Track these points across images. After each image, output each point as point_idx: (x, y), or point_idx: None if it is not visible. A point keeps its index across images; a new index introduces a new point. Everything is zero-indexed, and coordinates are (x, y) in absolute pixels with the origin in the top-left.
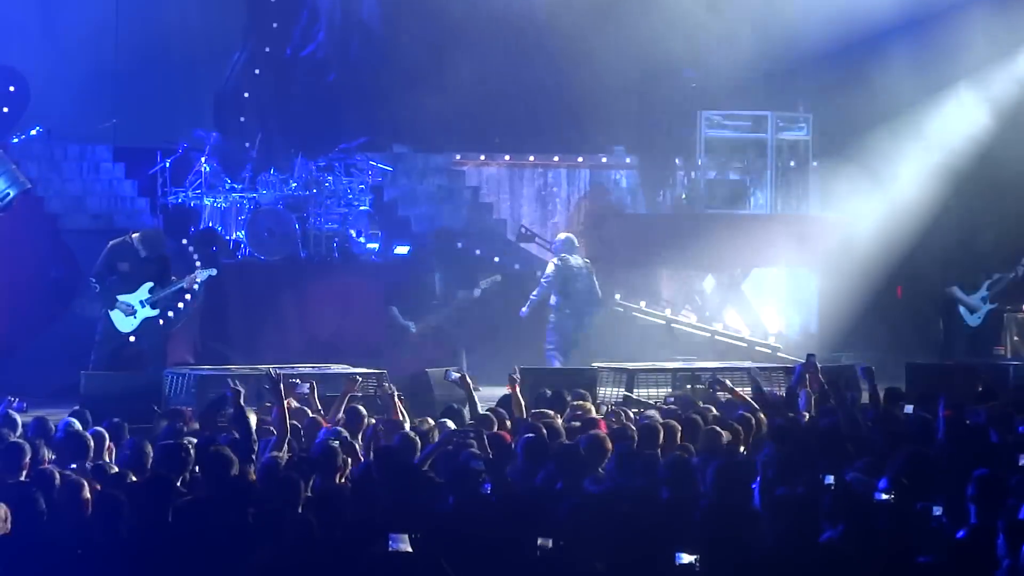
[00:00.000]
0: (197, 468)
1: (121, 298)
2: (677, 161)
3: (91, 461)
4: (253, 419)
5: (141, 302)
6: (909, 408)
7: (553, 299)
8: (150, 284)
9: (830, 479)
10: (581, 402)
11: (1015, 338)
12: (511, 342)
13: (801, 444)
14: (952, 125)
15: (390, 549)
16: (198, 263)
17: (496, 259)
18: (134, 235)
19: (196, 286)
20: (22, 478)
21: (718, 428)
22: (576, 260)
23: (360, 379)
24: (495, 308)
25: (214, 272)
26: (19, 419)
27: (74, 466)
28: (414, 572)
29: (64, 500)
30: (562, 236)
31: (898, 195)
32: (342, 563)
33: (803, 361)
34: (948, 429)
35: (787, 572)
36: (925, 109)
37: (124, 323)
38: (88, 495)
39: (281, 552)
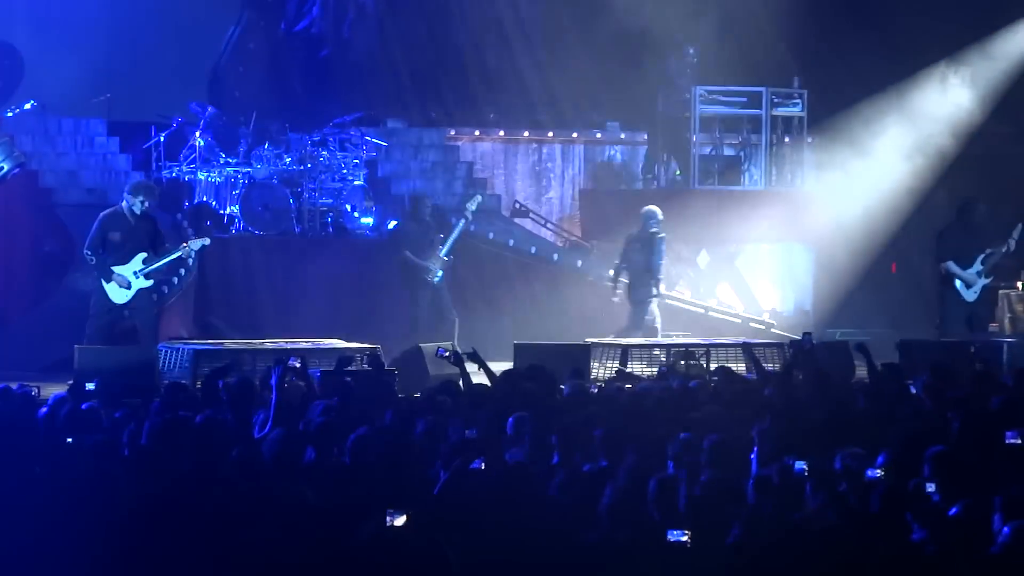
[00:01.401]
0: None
1: (116, 270)
2: (676, 137)
3: (87, 435)
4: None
5: (135, 273)
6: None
7: None
8: (143, 255)
9: (801, 466)
10: None
11: (1010, 315)
12: (508, 315)
13: (797, 422)
14: (940, 101)
15: (388, 524)
16: (192, 236)
17: (491, 235)
18: (124, 203)
19: (191, 259)
20: None
21: None
22: (639, 232)
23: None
24: (492, 280)
25: (207, 242)
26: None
27: (70, 440)
28: (410, 548)
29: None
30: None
31: (891, 170)
32: (337, 538)
33: (799, 339)
34: (936, 408)
35: (779, 551)
36: (914, 85)
37: (119, 295)
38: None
39: (276, 526)
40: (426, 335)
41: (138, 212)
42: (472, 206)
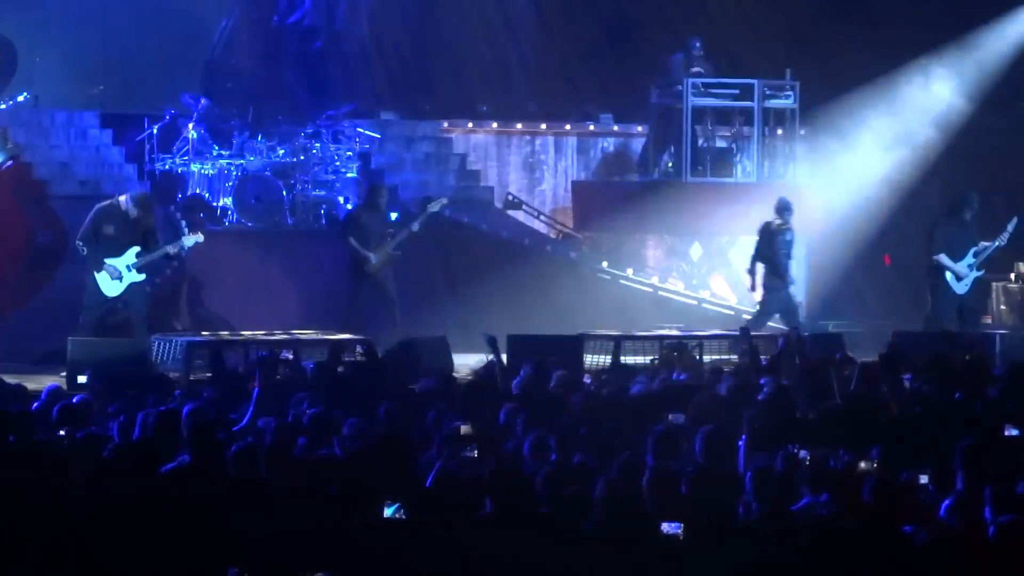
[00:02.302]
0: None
1: (108, 262)
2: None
3: (80, 427)
4: None
5: (128, 267)
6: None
7: None
8: (137, 249)
9: (804, 453)
10: None
11: (1002, 307)
12: (501, 307)
13: (787, 413)
14: (931, 94)
15: (386, 516)
16: (186, 230)
17: (483, 227)
18: (122, 197)
19: (183, 252)
20: None
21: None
22: (768, 223)
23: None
24: (485, 272)
25: (200, 239)
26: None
27: (63, 432)
28: (406, 539)
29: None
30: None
31: (884, 163)
32: (333, 530)
33: (787, 331)
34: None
35: (772, 541)
36: (906, 78)
37: (110, 287)
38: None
39: (271, 517)
40: (369, 324)
41: (132, 217)
42: (435, 207)
